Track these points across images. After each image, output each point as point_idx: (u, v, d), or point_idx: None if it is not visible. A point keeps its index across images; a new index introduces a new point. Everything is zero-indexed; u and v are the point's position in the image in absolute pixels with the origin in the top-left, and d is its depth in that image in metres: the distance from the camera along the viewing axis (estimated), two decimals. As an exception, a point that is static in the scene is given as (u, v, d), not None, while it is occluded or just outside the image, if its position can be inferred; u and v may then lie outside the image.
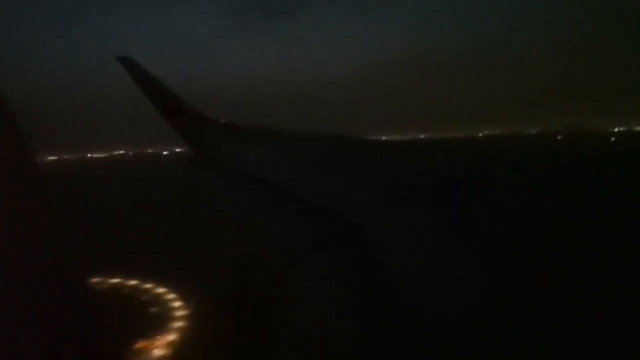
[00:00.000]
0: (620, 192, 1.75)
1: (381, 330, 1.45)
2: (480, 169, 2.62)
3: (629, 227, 1.38)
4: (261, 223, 3.63)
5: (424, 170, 2.86)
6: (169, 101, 6.71)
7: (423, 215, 1.98)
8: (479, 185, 2.18)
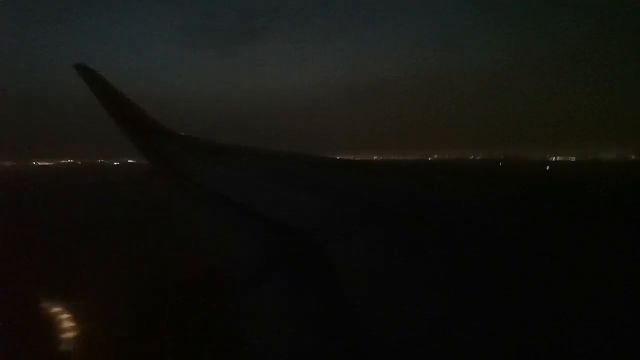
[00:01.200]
0: (552, 216, 1.84)
1: (338, 351, 1.45)
2: (434, 191, 2.68)
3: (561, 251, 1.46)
4: (218, 239, 3.56)
5: (382, 190, 2.89)
6: (127, 111, 6.52)
7: (383, 234, 2.00)
8: (435, 207, 2.22)
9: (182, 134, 6.86)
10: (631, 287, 1.22)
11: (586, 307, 1.18)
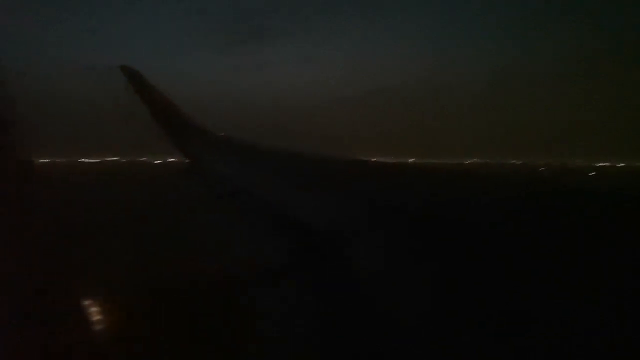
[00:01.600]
0: (593, 224, 1.84)
1: (354, 350, 1.49)
2: (463, 196, 2.70)
3: (600, 257, 1.48)
4: (243, 238, 3.65)
5: (408, 193, 2.93)
6: (169, 112, 6.78)
7: (403, 238, 2.04)
8: (461, 211, 2.25)
9: (221, 133, 7.05)
10: (631, 290, 1.23)
11: (587, 309, 1.20)
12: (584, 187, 2.73)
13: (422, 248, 1.86)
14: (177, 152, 6.95)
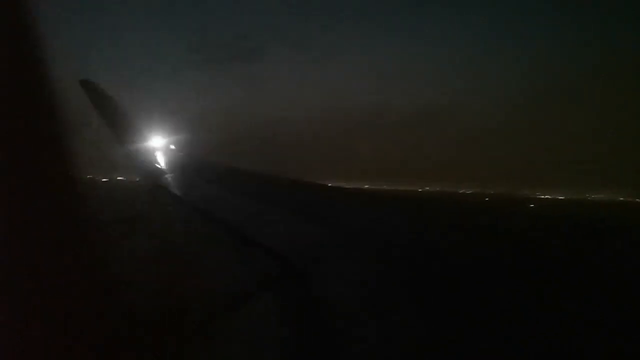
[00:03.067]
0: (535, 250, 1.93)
1: None
2: (421, 222, 2.77)
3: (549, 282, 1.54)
4: (208, 260, 3.56)
5: (376, 220, 2.98)
6: (128, 129, 6.62)
7: (370, 263, 2.06)
8: (424, 238, 2.32)
9: (180, 152, 6.96)
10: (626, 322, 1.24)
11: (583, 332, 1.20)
12: (587, 220, 2.87)
13: (391, 275, 1.87)
14: (134, 170, 6.77)
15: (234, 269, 2.93)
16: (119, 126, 6.55)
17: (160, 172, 6.51)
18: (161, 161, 6.66)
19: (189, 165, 6.75)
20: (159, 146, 6.81)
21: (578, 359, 1.09)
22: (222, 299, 2.56)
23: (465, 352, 1.20)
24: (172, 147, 7.05)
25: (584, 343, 1.14)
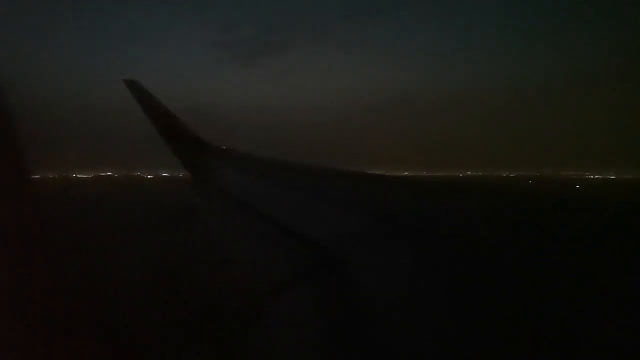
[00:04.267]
0: (575, 235, 1.87)
1: None
2: (460, 209, 2.70)
3: (589, 268, 1.49)
4: (247, 251, 3.64)
5: (414, 208, 2.92)
6: (172, 125, 6.83)
7: (407, 252, 2.04)
8: (460, 225, 2.26)
9: (223, 147, 7.11)
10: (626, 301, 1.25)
11: (589, 320, 1.20)
12: (604, 201, 2.75)
13: (427, 263, 1.86)
14: (181, 166, 6.97)
15: (273, 260, 2.98)
16: (164, 123, 6.76)
17: (203, 165, 6.68)
18: (204, 155, 6.83)
19: (229, 159, 6.89)
20: (200, 142, 7.00)
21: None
22: (259, 289, 2.60)
23: (506, 347, 1.21)
24: (212, 142, 7.23)
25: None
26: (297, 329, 1.90)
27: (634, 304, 1.23)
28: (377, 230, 2.50)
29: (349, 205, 3.43)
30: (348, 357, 1.53)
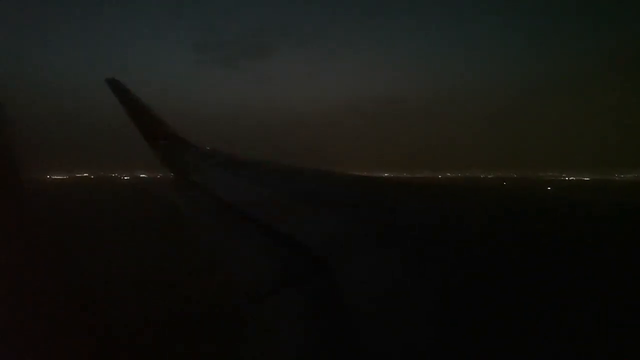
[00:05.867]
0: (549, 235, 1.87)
1: None
2: (442, 211, 2.70)
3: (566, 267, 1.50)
4: (230, 252, 3.59)
5: (404, 210, 2.90)
6: (154, 125, 6.73)
7: (392, 254, 2.02)
8: (446, 228, 2.25)
9: (207, 147, 7.03)
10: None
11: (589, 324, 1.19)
12: (598, 202, 2.76)
13: (415, 267, 1.85)
14: (161, 168, 6.87)
15: (258, 263, 2.93)
16: (146, 123, 6.66)
17: (186, 167, 6.60)
18: (187, 157, 6.75)
19: (213, 160, 6.82)
20: (183, 142, 6.91)
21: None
22: (245, 293, 2.58)
23: (490, 349, 1.20)
24: (196, 143, 7.15)
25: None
26: (282, 333, 1.88)
27: (624, 307, 1.23)
28: (364, 233, 2.48)
29: (336, 207, 3.40)
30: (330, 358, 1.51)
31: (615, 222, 2.10)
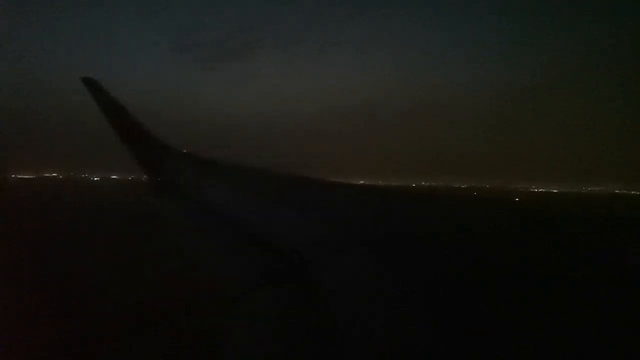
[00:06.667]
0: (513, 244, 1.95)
1: None
2: (419, 218, 2.77)
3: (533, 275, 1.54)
4: (208, 255, 3.57)
5: (376, 216, 2.96)
6: (130, 126, 6.61)
7: (370, 259, 2.05)
8: (421, 233, 2.30)
9: (180, 150, 6.95)
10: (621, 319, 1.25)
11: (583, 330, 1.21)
12: (579, 213, 2.85)
13: (391, 270, 1.87)
14: (133, 169, 6.76)
15: (236, 265, 2.93)
16: (122, 124, 6.54)
17: (162, 170, 6.51)
18: (163, 159, 6.66)
19: (190, 162, 6.75)
20: (161, 144, 6.82)
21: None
22: (223, 295, 2.58)
23: (468, 351, 1.22)
24: (173, 145, 7.07)
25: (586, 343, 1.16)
26: (259, 335, 1.88)
27: (617, 313, 1.26)
28: (338, 238, 2.50)
29: (312, 211, 3.43)
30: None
31: (578, 233, 2.19)
